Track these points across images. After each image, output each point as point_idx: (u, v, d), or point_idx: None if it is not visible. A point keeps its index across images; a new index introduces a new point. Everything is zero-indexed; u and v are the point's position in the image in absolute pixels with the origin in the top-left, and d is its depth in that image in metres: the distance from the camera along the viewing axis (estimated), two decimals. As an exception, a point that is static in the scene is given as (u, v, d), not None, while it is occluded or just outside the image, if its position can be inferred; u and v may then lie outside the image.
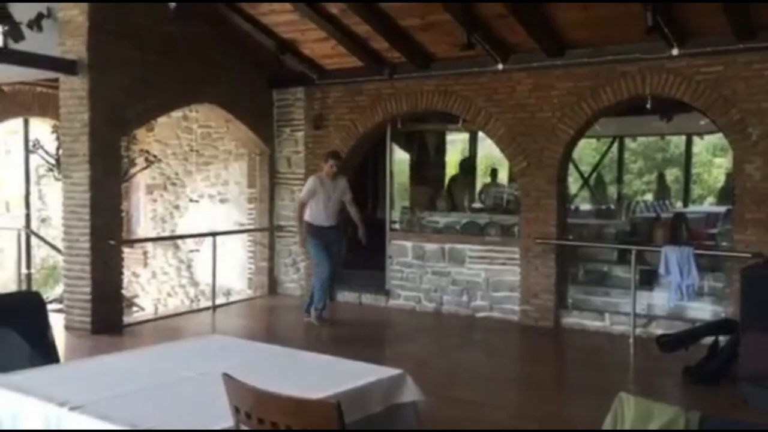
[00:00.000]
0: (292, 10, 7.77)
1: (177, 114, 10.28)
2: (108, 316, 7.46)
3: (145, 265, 11.31)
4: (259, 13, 8.14)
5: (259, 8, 8.03)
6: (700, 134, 13.21)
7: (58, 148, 9.23)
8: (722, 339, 5.93)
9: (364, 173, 10.46)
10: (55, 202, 10.19)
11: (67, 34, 7.33)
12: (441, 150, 12.60)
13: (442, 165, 12.56)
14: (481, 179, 12.69)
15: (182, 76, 8.32)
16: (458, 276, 8.60)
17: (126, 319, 8.18)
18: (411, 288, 8.92)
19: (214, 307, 8.87)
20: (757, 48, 6.64)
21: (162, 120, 10.13)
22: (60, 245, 8.14)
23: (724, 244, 8.06)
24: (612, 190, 14.91)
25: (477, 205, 10.73)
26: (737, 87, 6.78)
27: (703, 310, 7.42)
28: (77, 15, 7.26)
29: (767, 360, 5.10)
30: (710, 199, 17.77)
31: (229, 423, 2.54)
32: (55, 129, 9.46)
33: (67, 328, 7.39)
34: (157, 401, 2.96)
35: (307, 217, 7.80)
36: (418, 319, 8.33)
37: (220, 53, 8.88)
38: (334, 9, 7.63)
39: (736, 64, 6.77)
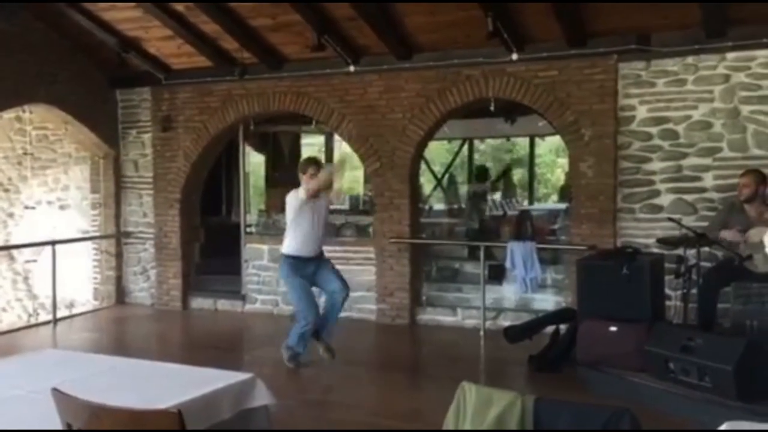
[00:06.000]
0: (134, 6, 7.42)
1: (9, 115, 9.53)
2: (-70, 337, 6.80)
3: (-25, 278, 10.40)
4: (99, 8, 7.70)
5: (98, 3, 7.59)
6: (541, 136, 14.01)
7: None
8: (563, 327, 6.30)
9: (217, 176, 10.21)
10: None
11: None
12: (296, 151, 12.52)
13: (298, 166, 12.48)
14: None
15: (13, 74, 7.74)
16: (315, 278, 8.58)
17: (-48, 339, 7.50)
18: (268, 292, 8.79)
19: (56, 321, 8.33)
20: (587, 54, 7.12)
21: (-9, 121, 9.38)
22: None
23: (563, 238, 8.60)
24: (463, 190, 15.48)
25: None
26: (571, 90, 7.24)
27: (546, 301, 7.87)
28: None
29: (601, 345, 5.48)
30: (554, 197, 18.90)
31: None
32: None
33: None
34: (-20, 424, 2.71)
35: (285, 248, 6.11)
36: (276, 323, 8.21)
37: (57, 50, 8.35)
38: (179, 6, 7.37)
39: (569, 69, 7.23)
